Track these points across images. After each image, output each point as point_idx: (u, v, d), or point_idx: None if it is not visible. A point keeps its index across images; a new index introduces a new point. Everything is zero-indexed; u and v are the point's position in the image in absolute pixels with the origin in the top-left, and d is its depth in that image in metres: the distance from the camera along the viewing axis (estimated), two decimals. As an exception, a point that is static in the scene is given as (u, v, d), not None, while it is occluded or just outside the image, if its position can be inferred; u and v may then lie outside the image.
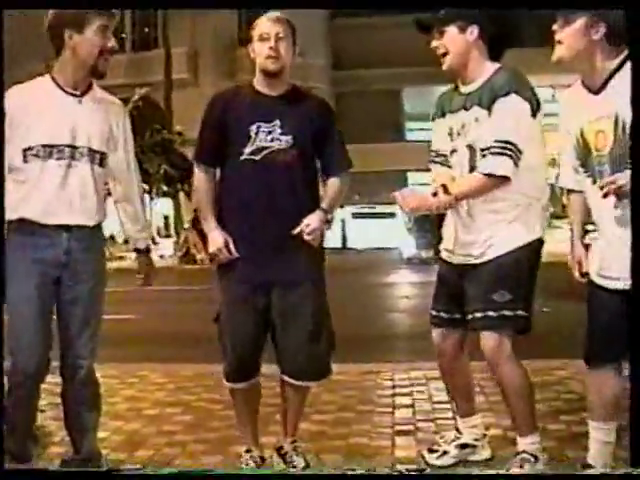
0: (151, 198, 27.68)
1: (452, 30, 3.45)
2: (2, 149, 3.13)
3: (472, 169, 3.40)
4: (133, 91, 26.43)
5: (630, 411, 2.77)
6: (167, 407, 4.93)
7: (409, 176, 34.31)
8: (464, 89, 3.49)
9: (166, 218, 29.32)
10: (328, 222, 3.55)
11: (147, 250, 3.66)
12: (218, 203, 3.54)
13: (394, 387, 5.28)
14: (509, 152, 3.27)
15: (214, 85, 31.25)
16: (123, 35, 33.24)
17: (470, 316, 3.43)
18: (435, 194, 3.34)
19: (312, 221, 3.42)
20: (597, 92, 3.00)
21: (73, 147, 3.29)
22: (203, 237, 3.62)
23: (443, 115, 3.59)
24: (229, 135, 3.50)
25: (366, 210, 35.81)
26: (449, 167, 3.55)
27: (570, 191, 3.29)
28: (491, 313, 3.35)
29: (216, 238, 3.48)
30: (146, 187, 26.46)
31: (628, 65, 2.85)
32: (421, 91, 34.37)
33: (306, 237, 3.40)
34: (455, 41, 3.45)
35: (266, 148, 3.44)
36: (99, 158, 3.37)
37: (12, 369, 3.23)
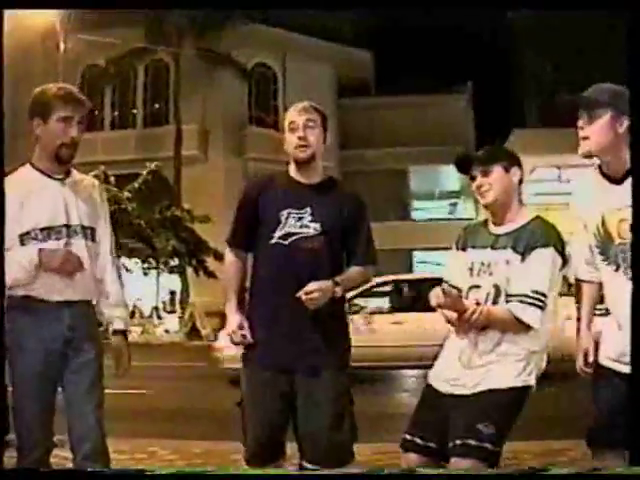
0: (158, 273, 27.78)
1: (499, 169, 3.47)
2: (2, 158, 3.19)
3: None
4: (143, 166, 26.74)
5: (630, 411, 2.80)
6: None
7: (415, 255, 34.47)
8: (496, 229, 3.51)
9: (172, 293, 29.36)
10: (334, 296, 3.49)
11: (124, 332, 3.66)
12: (251, 286, 3.61)
13: (404, 467, 5.25)
14: (541, 304, 3.30)
15: (224, 162, 31.76)
16: (134, 111, 33.83)
17: (451, 444, 3.31)
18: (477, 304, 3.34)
19: (316, 286, 3.41)
20: (620, 182, 3.09)
21: (68, 226, 3.44)
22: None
23: (464, 248, 3.60)
24: (261, 219, 3.58)
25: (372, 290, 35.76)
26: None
27: (580, 281, 3.37)
28: (472, 442, 3.25)
29: (232, 321, 3.55)
30: (153, 262, 26.66)
31: None
32: (427, 170, 34.83)
33: (303, 297, 3.40)
34: (502, 180, 3.46)
35: (295, 234, 3.52)
36: (90, 234, 3.52)
37: (19, 446, 3.32)
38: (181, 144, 30.16)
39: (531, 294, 3.30)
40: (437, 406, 3.47)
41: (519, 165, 3.52)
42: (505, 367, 3.36)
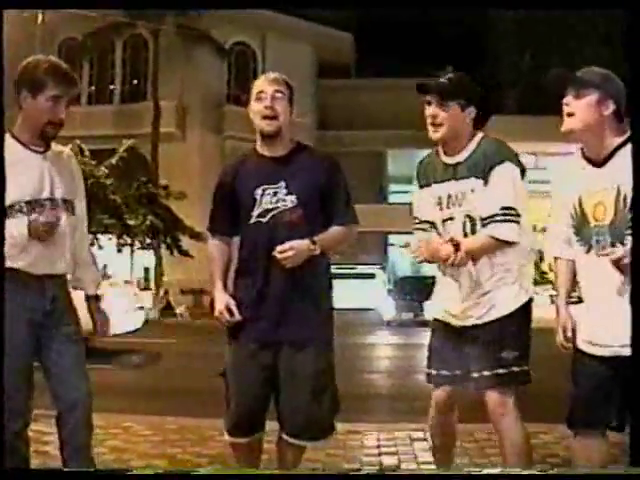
0: (132, 250, 27.65)
1: (455, 107, 3.55)
2: (2, 144, 3.20)
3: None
4: (120, 142, 26.53)
5: (630, 411, 2.86)
6: (153, 460, 4.93)
7: (390, 238, 34.59)
8: (450, 159, 3.62)
9: (146, 270, 29.24)
10: (313, 253, 3.49)
11: (97, 297, 3.72)
12: (238, 267, 3.62)
13: (379, 447, 5.32)
14: (513, 217, 3.45)
15: (201, 140, 31.65)
16: (112, 86, 33.55)
17: (476, 374, 3.52)
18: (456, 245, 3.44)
19: (293, 245, 3.42)
20: (600, 165, 3.14)
21: (52, 200, 3.43)
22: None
23: (428, 185, 3.69)
24: (239, 201, 3.59)
25: (346, 271, 35.91)
26: (438, 234, 3.64)
27: (557, 258, 3.41)
28: (500, 371, 3.47)
29: (219, 302, 3.55)
30: (127, 239, 26.49)
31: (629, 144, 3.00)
32: (405, 153, 34.85)
33: (278, 255, 3.42)
34: (456, 118, 3.56)
35: (273, 209, 3.52)
36: (71, 207, 3.52)
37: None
38: (159, 121, 29.97)
39: (500, 212, 3.44)
40: (450, 338, 3.65)
41: (477, 102, 3.61)
42: (504, 293, 3.53)
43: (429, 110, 3.59)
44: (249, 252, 3.58)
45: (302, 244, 3.45)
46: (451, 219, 3.59)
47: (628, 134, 3.08)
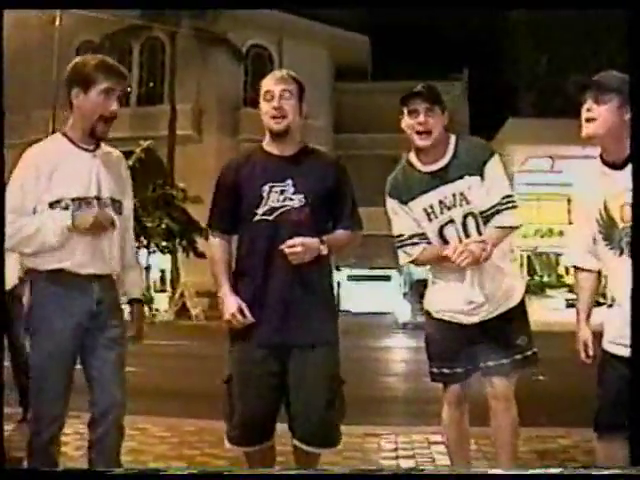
0: (149, 252, 27.74)
1: (439, 111, 3.63)
2: (2, 149, 3.16)
3: (480, 234, 3.62)
4: (136, 144, 26.63)
5: (630, 411, 2.83)
6: (171, 461, 4.93)
7: (406, 241, 34.54)
8: (430, 167, 3.65)
9: (162, 272, 29.32)
10: (320, 253, 3.44)
11: (140, 300, 3.69)
12: (236, 266, 3.56)
13: (397, 450, 5.30)
14: (514, 204, 3.62)
15: (217, 143, 31.72)
16: (129, 89, 33.70)
17: (492, 363, 3.66)
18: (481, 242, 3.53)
19: (299, 240, 3.36)
20: (621, 167, 3.13)
21: (99, 198, 3.41)
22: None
23: (413, 198, 3.68)
24: (242, 198, 3.51)
25: (362, 273, 35.89)
26: (427, 244, 3.70)
27: (578, 268, 3.40)
28: (518, 357, 3.67)
29: (230, 304, 3.46)
30: (144, 241, 26.59)
31: None
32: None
33: (286, 250, 3.35)
34: (441, 123, 3.64)
35: (279, 208, 3.45)
36: (119, 207, 3.50)
37: (35, 422, 3.32)
38: (175, 123, 30.09)
39: (503, 200, 3.60)
40: (454, 336, 3.73)
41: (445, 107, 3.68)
42: (515, 282, 3.74)
43: (417, 118, 3.60)
44: (250, 251, 3.50)
45: (312, 242, 3.39)
46: (450, 222, 3.64)
47: None
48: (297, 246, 3.35)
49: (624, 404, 3.06)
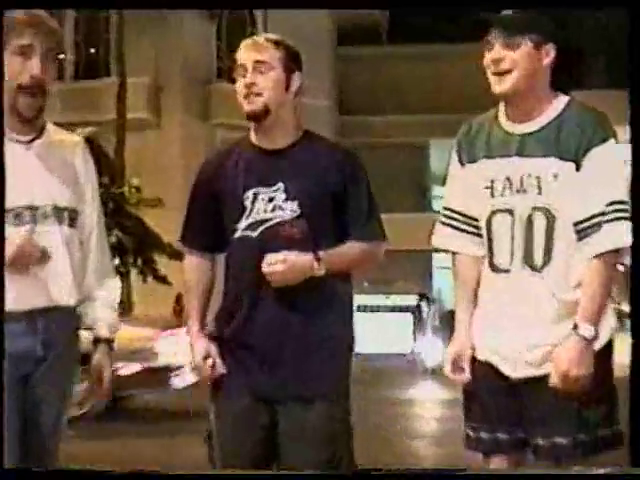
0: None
1: (527, 44, 3.38)
2: (2, 144, 3.17)
3: (548, 243, 3.34)
4: (73, 132, 26.66)
5: (630, 411, 2.96)
6: None
7: (436, 258, 34.53)
8: (515, 127, 3.45)
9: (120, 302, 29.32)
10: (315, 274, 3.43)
11: (108, 342, 3.62)
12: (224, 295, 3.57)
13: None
14: (626, 214, 3.28)
15: (182, 128, 31.75)
16: (61, 56, 33.68)
17: (543, 442, 3.36)
18: None
19: (288, 257, 3.35)
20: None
21: (33, 208, 3.32)
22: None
23: (475, 160, 3.52)
24: (221, 207, 3.53)
25: (377, 302, 35.87)
26: (478, 235, 3.51)
27: None
28: (582, 437, 3.31)
29: (196, 349, 3.50)
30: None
31: None
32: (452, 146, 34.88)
33: (264, 268, 3.35)
34: (530, 60, 3.39)
35: (266, 221, 3.45)
36: (68, 217, 3.41)
37: None
38: (125, 103, 30.14)
39: (610, 208, 3.26)
40: (499, 390, 3.46)
41: (553, 39, 3.43)
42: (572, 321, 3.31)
43: (491, 54, 3.41)
44: (232, 276, 3.53)
45: (301, 259, 3.38)
46: (508, 212, 3.39)
47: None
48: (277, 263, 3.34)
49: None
